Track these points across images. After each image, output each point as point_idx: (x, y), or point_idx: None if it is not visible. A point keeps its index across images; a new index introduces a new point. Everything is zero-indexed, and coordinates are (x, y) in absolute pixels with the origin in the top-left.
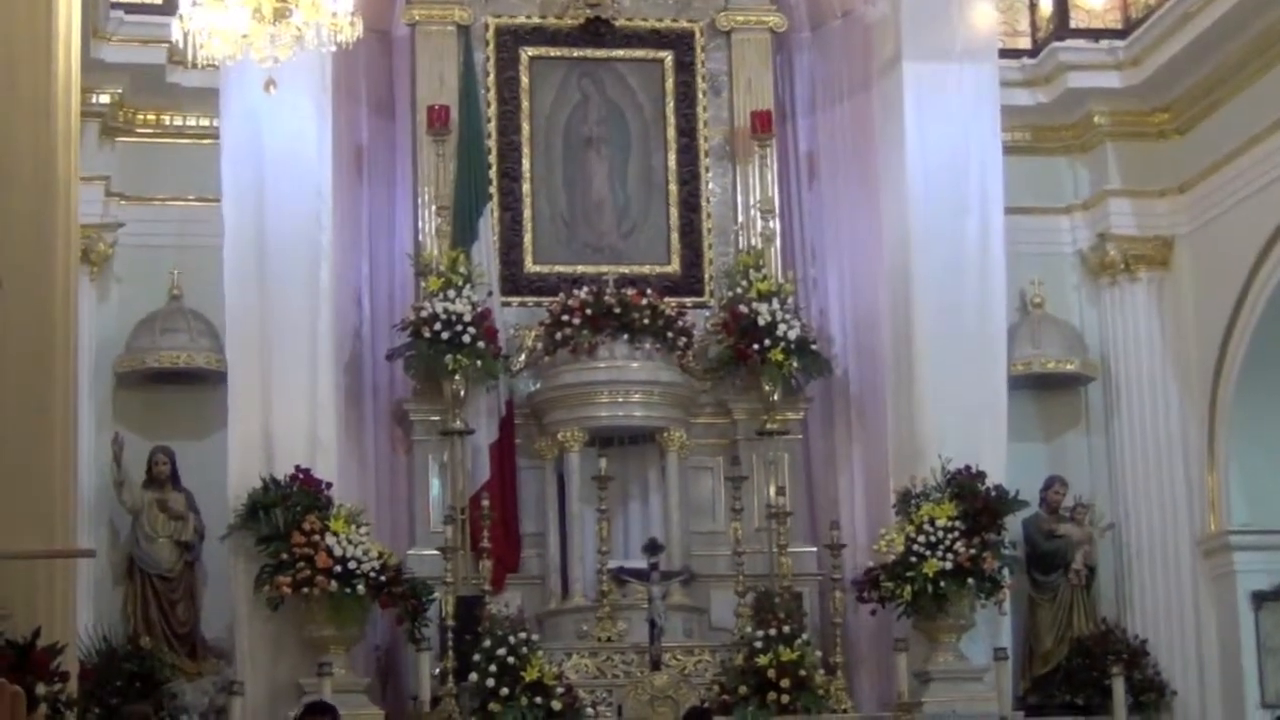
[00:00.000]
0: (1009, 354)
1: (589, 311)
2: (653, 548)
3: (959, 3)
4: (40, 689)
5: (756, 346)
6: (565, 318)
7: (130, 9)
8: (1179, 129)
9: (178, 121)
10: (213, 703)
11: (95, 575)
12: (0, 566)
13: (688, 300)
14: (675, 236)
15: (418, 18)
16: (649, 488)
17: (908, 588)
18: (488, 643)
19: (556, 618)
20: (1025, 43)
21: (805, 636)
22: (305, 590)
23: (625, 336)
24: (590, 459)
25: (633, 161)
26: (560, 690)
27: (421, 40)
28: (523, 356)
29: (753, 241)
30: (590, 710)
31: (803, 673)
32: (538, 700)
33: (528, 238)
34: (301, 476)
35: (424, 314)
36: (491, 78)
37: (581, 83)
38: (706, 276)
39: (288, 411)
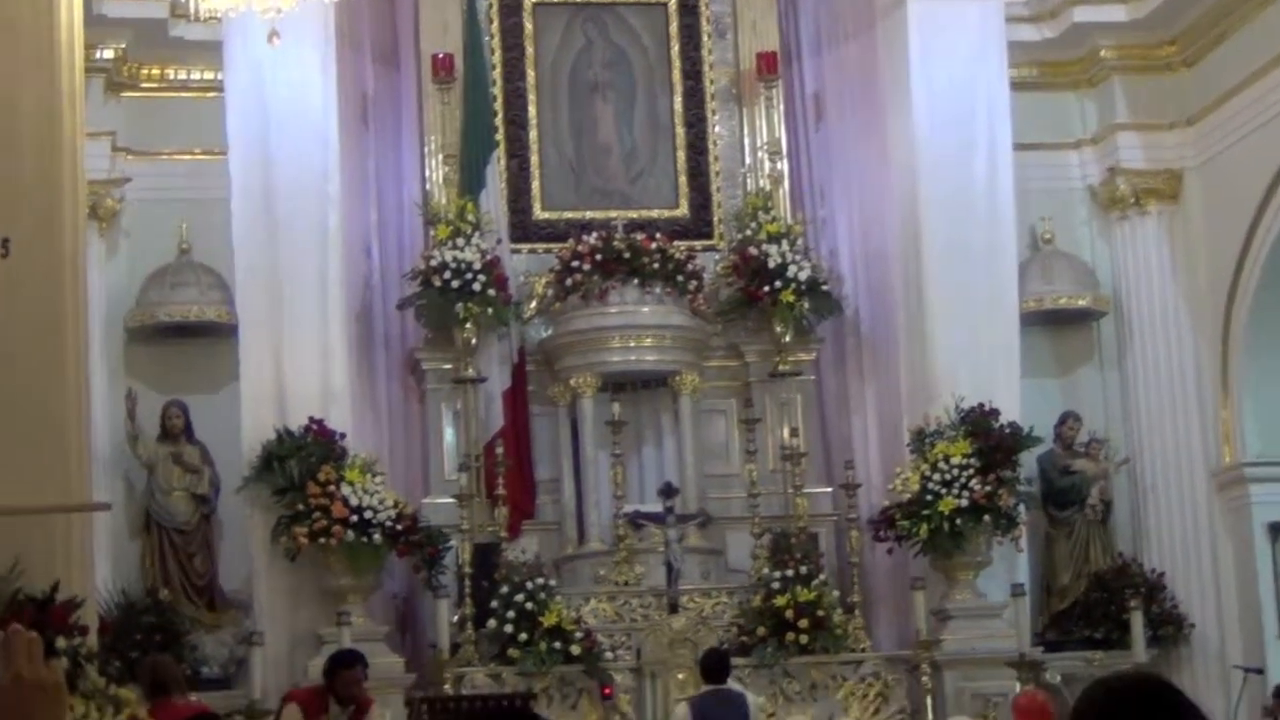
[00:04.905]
0: (1020, 291)
1: (599, 257)
2: (668, 491)
3: None
4: (60, 643)
5: (767, 288)
6: (575, 264)
7: None
8: (1186, 61)
9: (182, 75)
10: (233, 654)
11: (112, 530)
12: (18, 522)
13: (697, 244)
14: (683, 180)
15: None
16: (663, 431)
17: (924, 526)
18: (505, 589)
19: (573, 563)
20: None
21: (822, 577)
22: (322, 540)
23: (635, 281)
24: (603, 404)
25: (639, 106)
26: (579, 635)
27: None
28: (533, 303)
29: (761, 183)
30: (609, 654)
31: (820, 613)
32: (556, 645)
33: (535, 184)
34: (315, 427)
35: (433, 263)
36: (495, 25)
37: (585, 27)
38: (715, 219)
39: (300, 363)
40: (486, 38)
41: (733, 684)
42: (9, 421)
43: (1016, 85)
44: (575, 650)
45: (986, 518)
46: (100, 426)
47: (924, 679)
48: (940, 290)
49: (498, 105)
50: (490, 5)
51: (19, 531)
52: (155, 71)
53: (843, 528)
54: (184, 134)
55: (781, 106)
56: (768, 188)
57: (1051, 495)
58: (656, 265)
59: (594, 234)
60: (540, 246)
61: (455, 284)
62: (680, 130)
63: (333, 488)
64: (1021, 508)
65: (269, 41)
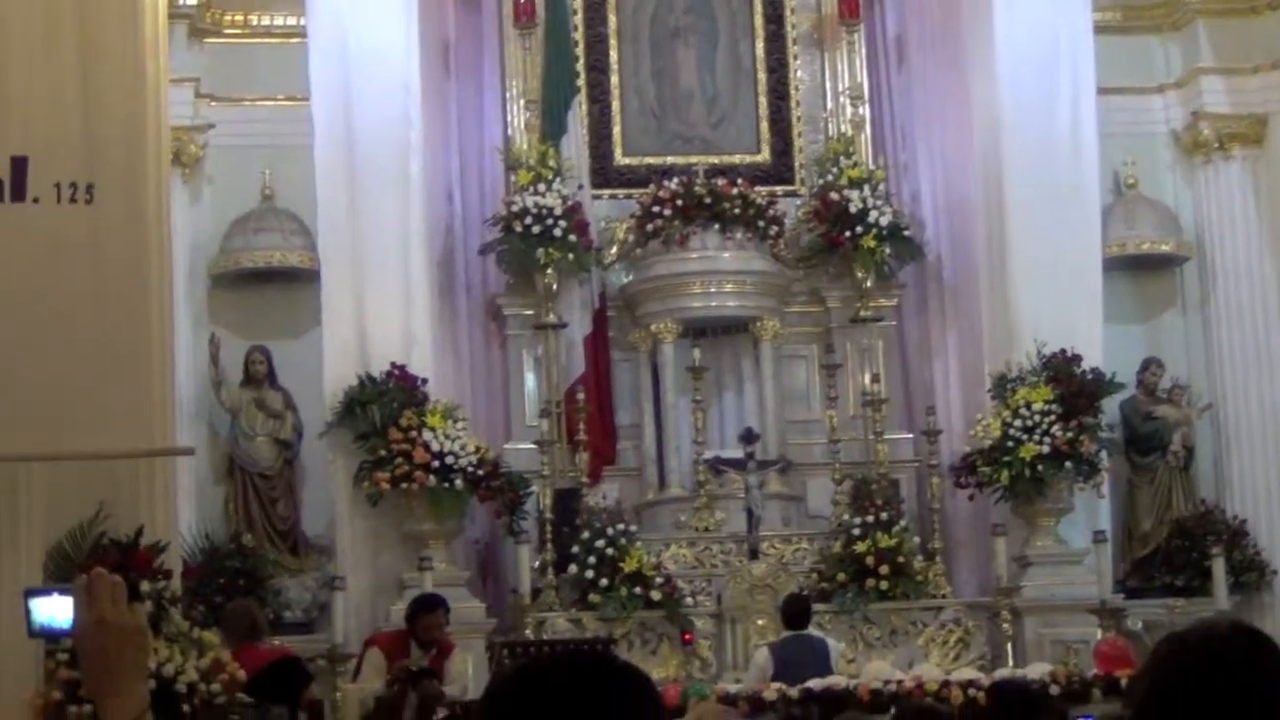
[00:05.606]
0: (1103, 235)
1: (680, 202)
2: (748, 437)
3: None
4: (144, 587)
5: (848, 233)
6: (656, 209)
7: None
8: (1271, 4)
9: (265, 21)
10: (315, 598)
11: (196, 475)
12: (103, 466)
13: (778, 189)
14: (765, 125)
15: None
16: (743, 377)
17: (1005, 472)
18: (586, 535)
19: (654, 509)
20: None
21: (903, 523)
22: (404, 485)
23: (716, 226)
24: (684, 350)
25: (720, 51)
26: (659, 580)
27: None
28: (614, 249)
29: (842, 128)
30: (690, 600)
31: (901, 559)
32: (637, 591)
33: (617, 130)
34: (397, 373)
35: (515, 208)
36: None
37: None
38: (797, 164)
39: (382, 308)
40: None
41: (813, 630)
42: (94, 366)
43: (1099, 28)
44: (655, 596)
45: (1068, 464)
46: (184, 372)
47: (1004, 625)
48: (1022, 235)
49: (579, 50)
50: None
51: (104, 476)
52: (238, 17)
53: (923, 474)
54: (267, 80)
55: (863, 50)
56: (849, 132)
57: (1133, 441)
58: (738, 211)
59: (675, 179)
60: (621, 192)
61: (536, 229)
62: (762, 75)
63: (414, 433)
64: (1103, 454)
65: None
